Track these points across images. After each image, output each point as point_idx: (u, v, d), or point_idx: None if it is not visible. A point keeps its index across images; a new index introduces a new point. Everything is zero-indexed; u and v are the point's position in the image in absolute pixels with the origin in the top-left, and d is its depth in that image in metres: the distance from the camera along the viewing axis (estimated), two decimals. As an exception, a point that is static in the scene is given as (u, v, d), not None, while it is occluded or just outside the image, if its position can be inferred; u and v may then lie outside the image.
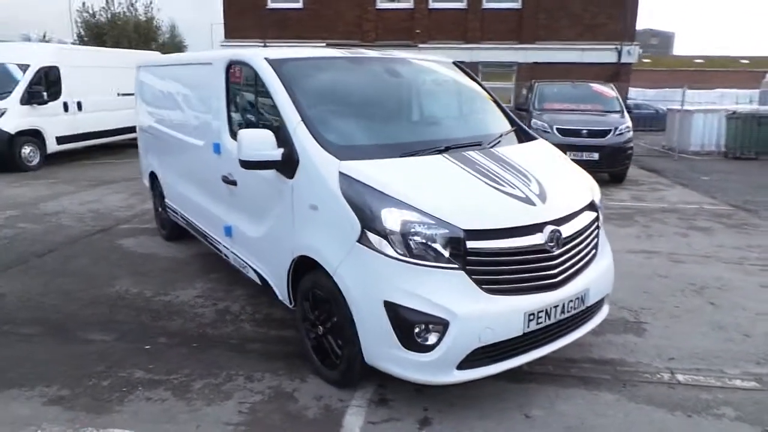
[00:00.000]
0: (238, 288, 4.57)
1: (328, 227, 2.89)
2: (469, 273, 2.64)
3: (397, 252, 2.62)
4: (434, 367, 2.63)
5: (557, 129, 9.44)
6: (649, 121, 21.31)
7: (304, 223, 3.06)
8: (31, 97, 10.69)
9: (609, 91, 10.66)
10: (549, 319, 2.83)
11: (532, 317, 2.75)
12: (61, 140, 11.48)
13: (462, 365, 2.66)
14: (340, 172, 2.85)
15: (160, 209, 5.99)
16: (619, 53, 16.52)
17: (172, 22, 42.95)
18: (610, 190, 9.18)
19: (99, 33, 33.78)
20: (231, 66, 3.81)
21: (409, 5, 17.26)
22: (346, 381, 3.03)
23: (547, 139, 9.88)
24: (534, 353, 2.89)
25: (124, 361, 3.41)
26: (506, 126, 3.90)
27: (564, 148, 9.22)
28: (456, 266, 2.62)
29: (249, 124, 3.64)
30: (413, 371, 2.68)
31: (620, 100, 10.44)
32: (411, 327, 2.60)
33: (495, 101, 4.09)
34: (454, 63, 4.32)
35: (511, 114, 4.01)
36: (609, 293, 3.35)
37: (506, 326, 2.69)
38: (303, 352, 3.33)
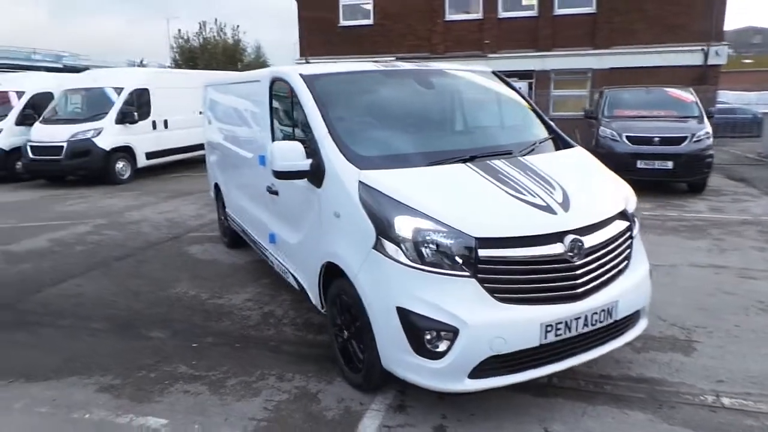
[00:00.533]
0: (285, 293, 4.79)
1: (349, 234, 3.00)
2: (481, 281, 2.63)
3: (410, 259, 2.67)
4: (445, 374, 2.65)
5: (627, 137, 9.00)
6: (746, 126, 19.68)
7: (330, 230, 3.19)
8: (124, 117, 11.75)
9: (687, 95, 10.01)
10: (570, 331, 2.75)
11: (549, 328, 2.69)
12: (149, 156, 12.51)
13: (474, 374, 2.65)
14: (360, 181, 2.95)
15: (222, 218, 6.40)
16: (706, 55, 15.46)
17: (258, 42, 45.60)
18: (686, 200, 8.60)
19: (192, 57, 36.34)
20: (274, 82, 4.05)
21: (479, 16, 17.20)
22: (368, 385, 3.10)
23: (614, 149, 9.42)
24: (554, 366, 2.82)
25: (172, 357, 3.69)
26: (542, 134, 3.84)
27: (633, 157, 8.90)
28: (467, 274, 2.63)
29: (287, 137, 3.85)
30: (425, 377, 2.70)
31: (699, 104, 9.78)
32: (422, 333, 2.64)
33: (533, 109, 4.04)
34: (493, 72, 4.32)
35: (549, 122, 3.94)
36: (645, 306, 3.19)
37: (520, 336, 2.65)
38: (333, 356, 3.45)
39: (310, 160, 3.26)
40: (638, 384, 3.23)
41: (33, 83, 12.95)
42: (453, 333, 2.59)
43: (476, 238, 2.64)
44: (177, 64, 36.49)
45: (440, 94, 3.91)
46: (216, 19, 38.88)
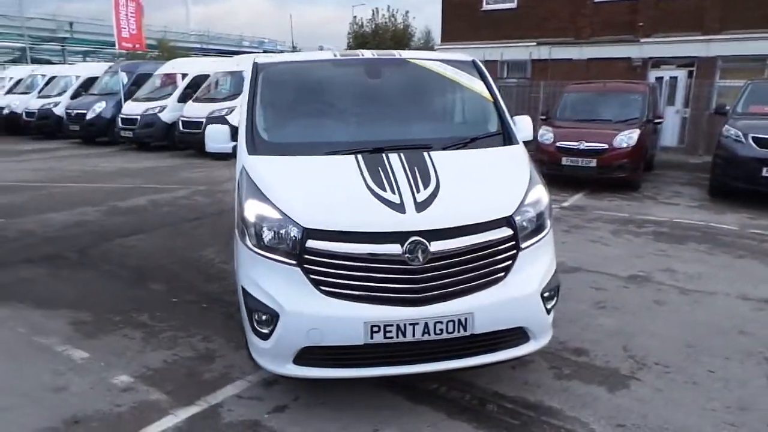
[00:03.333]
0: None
1: (235, 216, 3.22)
2: (306, 271, 2.66)
3: (252, 242, 2.81)
4: (271, 355, 2.75)
5: (753, 138, 7.49)
6: None
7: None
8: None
9: None
10: (404, 336, 2.63)
11: (376, 329, 2.61)
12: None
13: (298, 360, 2.71)
14: (243, 165, 3.15)
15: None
16: None
17: (428, 27, 46.28)
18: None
19: (363, 42, 38.41)
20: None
21: (634, -5, 15.36)
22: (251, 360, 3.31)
23: (736, 152, 8.18)
24: (385, 369, 2.73)
25: (146, 307, 4.29)
26: (486, 130, 3.58)
27: (759, 163, 7.36)
28: (293, 263, 2.68)
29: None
30: (259, 357, 2.84)
31: None
32: (253, 314, 2.77)
33: (495, 104, 3.73)
34: (474, 62, 4.06)
35: (505, 117, 3.63)
36: (530, 327, 2.85)
37: (340, 332, 2.63)
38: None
39: (234, 143, 3.53)
40: (526, 409, 2.94)
41: (196, 67, 15.15)
42: (274, 317, 2.67)
43: (305, 228, 2.67)
44: (349, 48, 38.86)
45: (385, 85, 3.82)
46: (388, 6, 40.48)
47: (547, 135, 9.26)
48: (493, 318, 2.75)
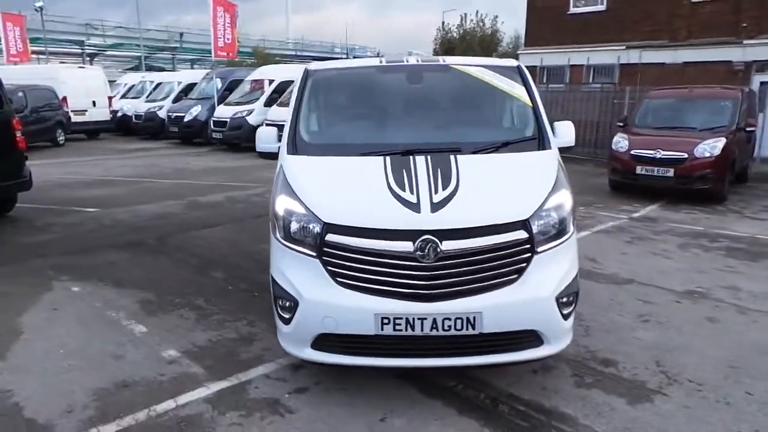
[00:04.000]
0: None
1: None
2: (325, 263, 2.86)
3: (281, 235, 3.05)
4: (292, 339, 2.98)
5: None
6: None
7: None
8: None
9: None
10: (413, 330, 2.76)
11: (386, 321, 2.75)
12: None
13: (316, 346, 2.91)
14: (281, 164, 3.41)
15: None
16: None
17: (518, 32, 45.35)
18: None
19: (450, 48, 38.40)
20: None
21: (737, -6, 14.21)
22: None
23: None
24: (396, 361, 2.88)
25: (203, 292, 4.71)
26: (522, 134, 3.61)
27: None
28: (314, 254, 2.88)
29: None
30: (282, 339, 3.07)
31: None
32: (277, 300, 3.02)
33: (534, 109, 3.73)
34: (518, 68, 4.07)
35: (542, 122, 3.63)
36: (541, 331, 2.86)
37: (352, 322, 2.79)
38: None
39: (278, 144, 3.82)
40: (538, 413, 2.95)
41: (282, 73, 16.02)
42: (294, 303, 2.90)
43: (325, 223, 2.87)
44: (435, 54, 38.97)
45: (425, 90, 3.93)
46: (477, 11, 40.20)
47: (621, 142, 8.87)
48: (503, 319, 2.80)
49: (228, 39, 16.48)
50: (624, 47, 16.19)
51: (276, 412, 2.93)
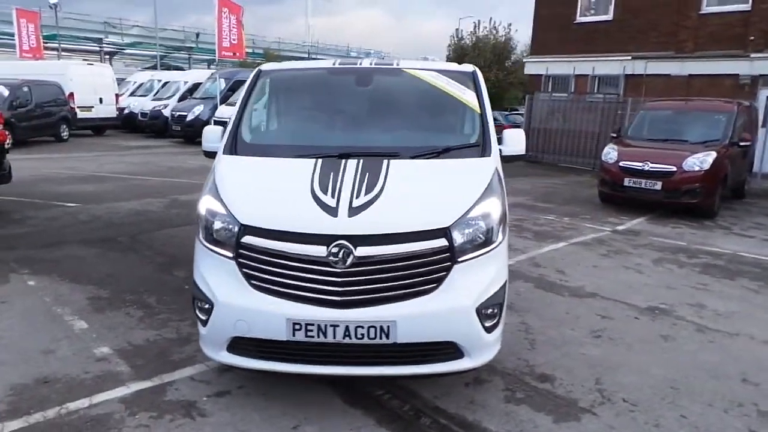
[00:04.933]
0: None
1: None
2: (240, 266, 2.80)
3: (202, 235, 3.00)
4: (209, 341, 2.92)
5: None
6: None
7: None
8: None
9: None
10: (325, 336, 2.68)
11: (298, 327, 2.68)
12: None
13: (231, 349, 2.84)
14: (215, 164, 3.37)
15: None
16: None
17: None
18: None
19: (463, 55, 38.26)
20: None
21: (746, 7, 13.93)
22: None
23: None
24: (308, 368, 2.78)
25: (159, 291, 4.67)
26: (465, 141, 3.54)
27: None
28: (230, 256, 2.83)
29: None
30: (201, 341, 3.01)
31: None
32: (195, 302, 2.97)
33: (482, 116, 3.65)
34: (473, 73, 3.99)
35: (487, 129, 3.54)
36: (460, 343, 2.76)
37: (264, 326, 2.72)
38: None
39: (223, 143, 3.78)
40: (459, 427, 2.85)
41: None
42: (210, 306, 2.84)
43: (241, 225, 2.81)
44: (448, 61, 38.84)
45: (373, 93, 3.86)
46: (490, 18, 40.04)
47: (611, 153, 8.72)
48: (419, 329, 2.71)
49: (234, 39, 16.57)
50: (629, 58, 15.97)
51: (188, 415, 2.87)
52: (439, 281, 2.76)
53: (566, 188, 11.18)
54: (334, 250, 2.67)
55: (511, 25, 38.41)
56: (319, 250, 2.69)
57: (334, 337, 2.68)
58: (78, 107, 17.84)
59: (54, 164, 11.92)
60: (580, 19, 17.40)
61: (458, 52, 38.91)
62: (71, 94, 17.48)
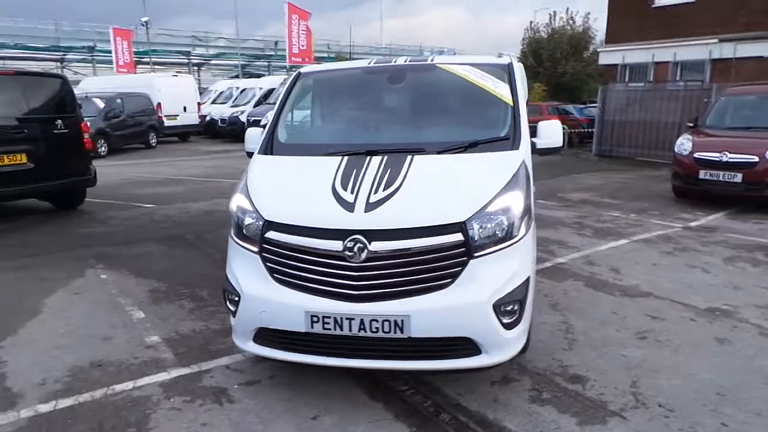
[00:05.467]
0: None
1: None
2: (264, 260, 2.93)
3: (233, 231, 3.17)
4: (238, 332, 3.08)
5: None
6: None
7: None
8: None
9: None
10: (341, 329, 2.75)
11: (315, 319, 2.77)
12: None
13: (258, 340, 2.99)
14: (250, 163, 3.53)
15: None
16: None
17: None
18: None
19: (537, 48, 37.06)
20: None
21: None
22: None
23: None
24: (327, 360, 2.86)
25: (212, 285, 4.91)
26: (496, 134, 3.45)
27: None
28: (255, 251, 2.97)
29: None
30: (233, 332, 3.18)
31: None
32: (225, 294, 3.14)
33: (514, 108, 3.56)
34: (508, 65, 3.90)
35: (518, 122, 3.46)
36: (476, 340, 2.72)
37: (284, 318, 2.84)
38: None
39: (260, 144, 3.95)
40: (477, 425, 2.82)
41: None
42: (238, 298, 3.00)
43: (265, 220, 2.94)
44: (524, 55, 37.84)
45: (405, 90, 3.86)
46: (567, 8, 38.42)
47: (685, 144, 8.13)
48: (433, 324, 2.71)
49: (303, 45, 17.15)
50: (716, 41, 14.80)
51: (217, 401, 3.05)
52: (454, 276, 2.74)
53: (639, 183, 10.56)
54: (350, 244, 2.73)
55: (589, 14, 36.77)
56: (336, 245, 2.76)
57: (350, 330, 2.74)
58: (165, 116, 19.20)
59: (140, 169, 12.92)
60: (658, 2, 16.34)
61: (533, 46, 37.74)
62: (159, 104, 18.84)
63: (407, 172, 3.05)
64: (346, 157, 3.26)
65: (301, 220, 2.87)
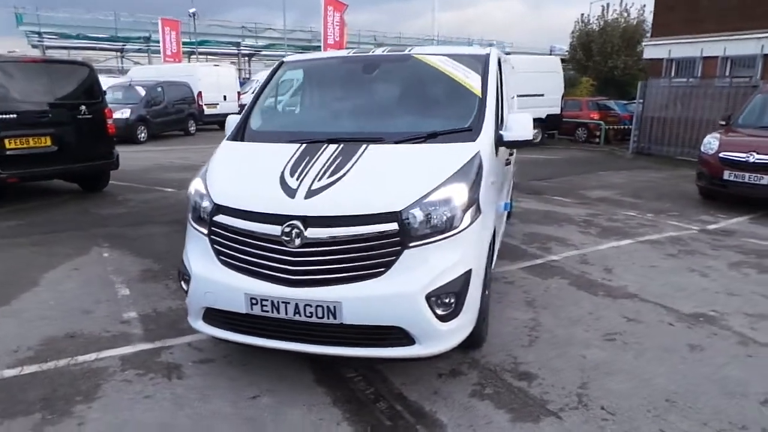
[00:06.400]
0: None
1: None
2: (212, 242, 3.02)
3: (189, 214, 3.28)
4: (189, 311, 3.19)
5: None
6: None
7: None
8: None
9: None
10: (278, 312, 2.81)
11: (254, 302, 2.84)
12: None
13: (206, 319, 3.09)
14: (216, 150, 3.63)
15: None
16: None
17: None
18: None
19: (588, 41, 35.76)
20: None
21: None
22: None
23: None
24: (265, 341, 2.94)
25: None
26: (460, 125, 3.41)
27: None
28: (205, 233, 3.06)
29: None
30: (188, 312, 3.29)
31: None
32: (180, 274, 3.25)
33: (482, 100, 3.51)
34: (485, 56, 3.84)
35: (484, 114, 3.41)
36: (408, 329, 2.73)
37: (227, 299, 2.93)
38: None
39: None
40: (411, 416, 2.82)
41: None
42: (189, 278, 3.11)
43: (215, 204, 3.03)
44: (573, 49, 36.73)
45: (377, 80, 3.86)
46: (621, 1, 36.82)
47: (711, 143, 7.73)
48: (365, 312, 2.73)
49: (337, 37, 17.26)
50: (766, 35, 13.92)
51: (167, 375, 3.17)
52: (388, 265, 2.75)
53: (668, 182, 10.11)
54: (287, 230, 2.78)
55: (645, 6, 35.17)
56: (275, 230, 2.82)
57: (286, 314, 2.80)
58: (205, 104, 19.79)
59: (171, 155, 13.40)
60: (710, -7, 15.50)
61: (582, 39, 36.48)
62: (200, 93, 19.43)
63: (356, 161, 3.07)
64: (304, 145, 3.31)
65: (246, 205, 2.95)
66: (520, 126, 3.55)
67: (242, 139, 3.70)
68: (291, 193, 2.90)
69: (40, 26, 33.94)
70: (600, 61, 34.57)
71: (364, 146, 3.20)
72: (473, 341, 3.30)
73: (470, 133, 3.35)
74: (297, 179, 2.98)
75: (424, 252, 2.76)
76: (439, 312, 2.77)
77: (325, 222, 2.77)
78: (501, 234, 4.57)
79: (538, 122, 16.24)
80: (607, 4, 36.58)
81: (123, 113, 15.09)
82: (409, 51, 4.06)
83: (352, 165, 3.03)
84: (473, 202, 2.94)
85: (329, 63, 4.23)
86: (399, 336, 2.78)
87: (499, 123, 3.55)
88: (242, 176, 3.24)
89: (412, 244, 2.75)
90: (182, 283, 3.25)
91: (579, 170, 11.46)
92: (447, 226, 2.81)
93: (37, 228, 6.45)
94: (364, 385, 3.11)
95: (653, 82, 14.71)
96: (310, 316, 2.77)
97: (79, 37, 36.43)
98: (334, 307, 2.73)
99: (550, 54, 47.45)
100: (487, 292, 3.47)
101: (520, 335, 3.68)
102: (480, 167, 3.12)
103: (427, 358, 2.99)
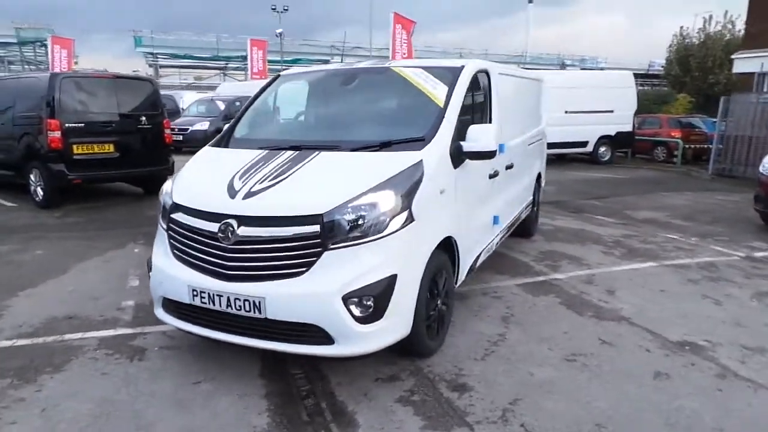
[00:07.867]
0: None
1: None
2: (168, 237, 3.31)
3: (160, 211, 3.59)
4: (154, 299, 3.48)
5: None
6: None
7: None
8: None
9: None
10: (213, 304, 3.03)
11: (195, 293, 3.08)
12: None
13: (165, 308, 3.37)
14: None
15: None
16: None
17: None
18: None
19: (686, 56, 33.51)
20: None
21: None
22: None
23: None
24: (208, 331, 3.15)
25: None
26: (411, 135, 3.45)
27: None
28: (165, 228, 3.35)
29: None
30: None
31: None
32: (148, 266, 3.55)
33: (443, 111, 3.54)
34: (460, 68, 3.85)
35: (441, 125, 3.44)
36: (326, 328, 2.83)
37: (174, 289, 3.19)
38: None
39: (228, 139, 4.34)
40: (331, 414, 2.91)
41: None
42: (150, 269, 3.40)
43: (173, 202, 3.31)
44: (669, 63, 34.65)
45: (353, 91, 3.99)
46: (726, 12, 34.06)
47: (770, 164, 7.04)
48: (286, 309, 2.87)
49: (405, 53, 17.58)
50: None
51: (131, 358, 3.48)
52: (308, 265, 2.87)
53: (734, 206, 9.26)
54: (223, 227, 3.00)
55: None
56: (213, 227, 3.05)
57: (220, 306, 3.01)
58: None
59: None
60: (811, 1, 14.06)
61: (680, 53, 34.20)
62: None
63: (302, 166, 3.23)
64: (265, 151, 3.52)
65: (196, 204, 3.21)
66: (481, 137, 3.52)
67: (226, 146, 3.99)
68: (233, 194, 3.12)
69: (154, 47, 37.59)
70: (699, 76, 32.24)
71: (315, 153, 3.35)
72: (415, 349, 3.32)
73: (420, 143, 3.39)
74: (243, 182, 3.19)
75: (345, 254, 2.85)
76: (357, 313, 2.84)
77: (256, 222, 2.95)
78: (489, 246, 4.50)
79: (606, 139, 15.54)
80: (710, 16, 34.21)
81: (202, 125, 16.33)
82: (388, 64, 4.18)
83: (297, 170, 3.20)
84: (404, 209, 2.99)
85: (319, 76, 4.45)
86: (319, 334, 2.88)
87: (462, 134, 3.55)
88: (202, 178, 3.52)
89: (332, 246, 2.85)
90: (149, 273, 3.56)
91: (638, 191, 10.80)
92: (371, 231, 2.88)
93: (93, 224, 7.21)
94: (304, 381, 3.23)
95: (738, 97, 13.55)
96: (239, 310, 2.95)
97: (187, 57, 39.86)
98: (259, 302, 2.89)
99: (648, 70, 44.92)
100: (443, 304, 3.48)
101: (476, 348, 3.62)
102: (421, 176, 3.15)
103: (352, 358, 3.06)
